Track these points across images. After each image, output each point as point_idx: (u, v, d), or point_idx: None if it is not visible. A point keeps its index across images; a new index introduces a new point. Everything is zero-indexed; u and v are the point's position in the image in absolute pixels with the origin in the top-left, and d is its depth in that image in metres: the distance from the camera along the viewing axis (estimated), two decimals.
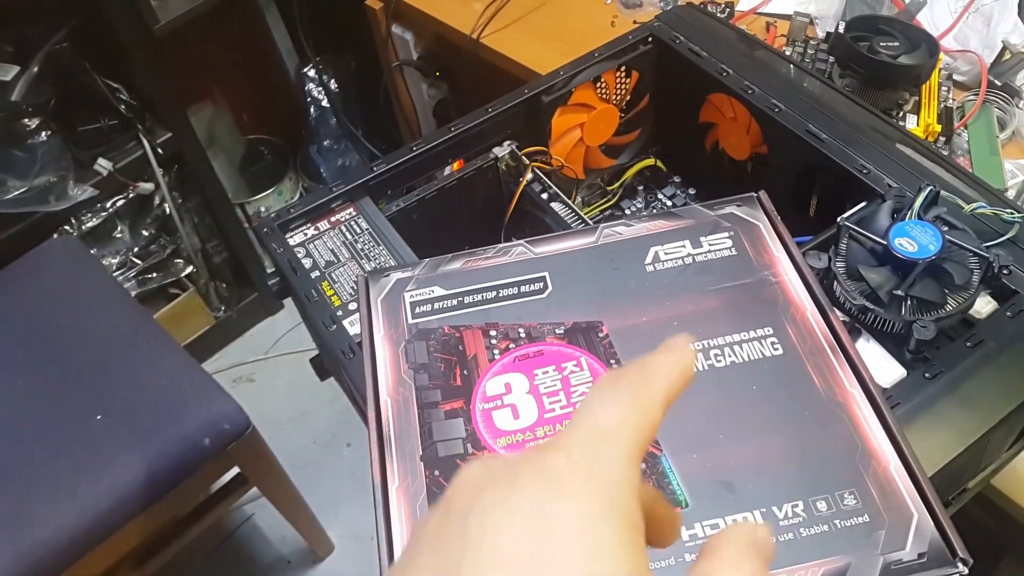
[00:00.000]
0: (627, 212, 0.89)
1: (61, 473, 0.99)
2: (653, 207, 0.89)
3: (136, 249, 1.45)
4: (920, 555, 0.39)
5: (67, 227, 1.34)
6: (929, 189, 0.55)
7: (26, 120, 1.23)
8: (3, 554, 0.93)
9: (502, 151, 0.77)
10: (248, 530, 1.43)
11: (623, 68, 0.80)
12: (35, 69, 1.22)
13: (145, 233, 1.45)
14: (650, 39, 0.79)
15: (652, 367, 0.25)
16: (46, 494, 0.98)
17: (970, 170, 0.85)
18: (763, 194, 0.54)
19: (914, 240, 0.52)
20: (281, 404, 1.58)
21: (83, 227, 1.35)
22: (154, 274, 1.49)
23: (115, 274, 1.42)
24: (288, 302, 1.54)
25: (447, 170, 0.78)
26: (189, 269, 1.53)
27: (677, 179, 0.89)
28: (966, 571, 0.38)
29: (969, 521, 0.78)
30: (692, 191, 0.88)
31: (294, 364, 1.64)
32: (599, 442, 0.23)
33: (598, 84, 0.80)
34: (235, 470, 1.13)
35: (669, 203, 0.89)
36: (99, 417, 1.03)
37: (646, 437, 0.24)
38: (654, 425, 0.24)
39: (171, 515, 1.09)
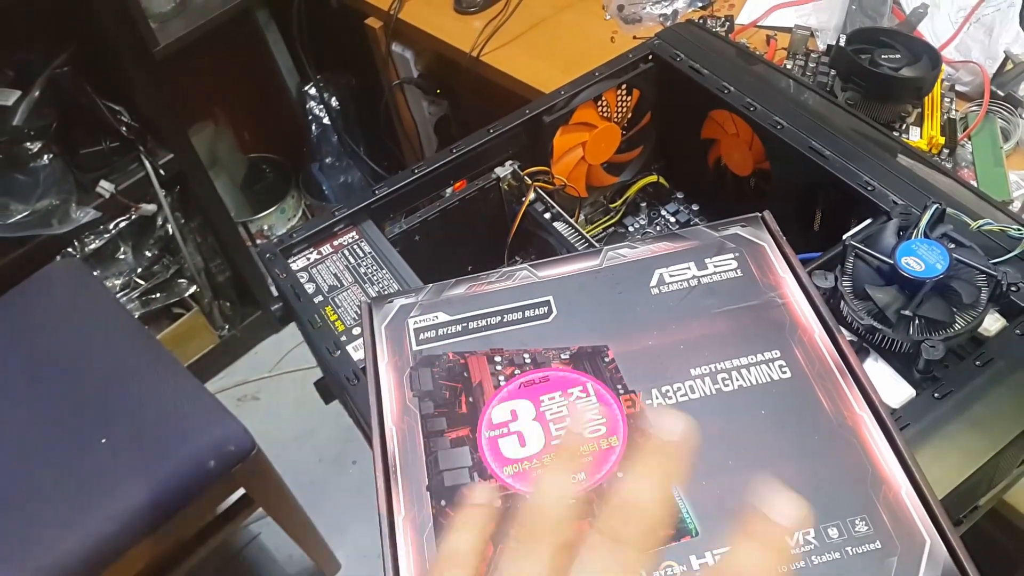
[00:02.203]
0: (630, 229, 0.89)
1: (66, 497, 0.99)
2: (656, 223, 0.89)
3: (139, 270, 1.46)
4: None
5: (70, 249, 1.34)
6: (935, 207, 0.54)
7: (28, 144, 1.24)
8: None
9: (504, 171, 0.77)
10: (255, 550, 1.43)
11: (624, 86, 0.80)
12: (36, 93, 1.23)
13: (148, 254, 1.46)
14: (650, 57, 0.79)
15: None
16: (51, 519, 0.98)
17: (975, 182, 0.85)
18: (768, 214, 0.54)
19: (921, 259, 0.52)
20: (287, 422, 1.58)
21: (86, 249, 1.36)
22: (158, 294, 1.50)
23: (118, 295, 1.43)
24: None
25: (448, 191, 0.78)
26: (193, 289, 1.54)
27: (680, 195, 0.89)
28: None
29: (981, 537, 0.78)
30: (695, 207, 0.88)
31: (299, 381, 1.64)
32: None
33: (599, 103, 0.80)
34: (241, 491, 1.13)
35: (672, 219, 0.88)
36: (103, 440, 1.03)
37: None
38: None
39: (177, 537, 1.09)
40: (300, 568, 1.39)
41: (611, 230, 0.89)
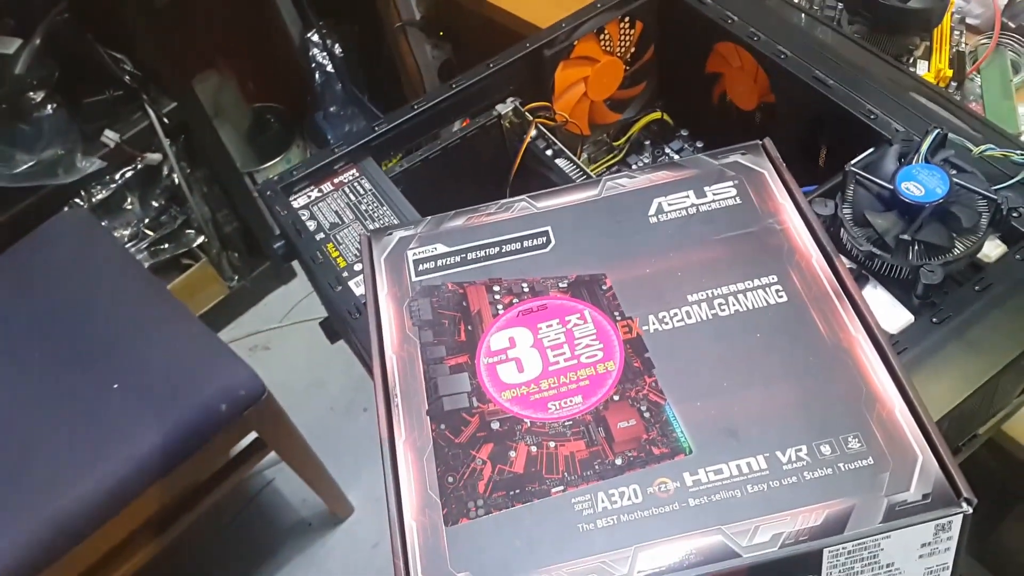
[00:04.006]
0: (634, 167, 0.88)
1: (80, 442, 1.01)
2: (661, 161, 0.88)
3: (147, 220, 1.46)
4: (924, 496, 0.39)
5: (77, 200, 1.35)
6: (936, 132, 0.54)
7: (31, 93, 1.23)
8: (28, 523, 0.95)
9: (505, 108, 0.76)
10: (269, 494, 1.46)
11: (627, 19, 0.79)
12: (37, 41, 1.22)
13: (155, 204, 1.46)
14: None
15: None
16: (67, 463, 0.99)
17: (982, 114, 0.83)
18: (768, 141, 0.53)
19: (921, 184, 0.52)
20: (297, 372, 1.59)
21: (93, 200, 1.36)
22: (166, 245, 1.50)
23: (127, 246, 1.43)
24: (300, 269, 1.55)
25: (456, 125, 0.77)
26: (200, 239, 1.54)
27: (684, 132, 0.88)
28: (970, 511, 0.38)
29: (980, 469, 0.78)
30: (700, 144, 0.87)
31: (309, 332, 1.65)
32: None
33: (601, 36, 0.79)
34: (253, 435, 1.15)
35: (677, 157, 0.88)
36: (115, 387, 1.05)
37: None
38: None
39: (191, 481, 1.11)
40: (314, 511, 1.41)
41: (615, 168, 0.88)
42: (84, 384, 1.06)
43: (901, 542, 0.39)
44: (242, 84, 1.74)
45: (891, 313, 0.52)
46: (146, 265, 1.46)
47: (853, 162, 0.56)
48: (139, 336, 1.09)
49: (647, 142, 0.89)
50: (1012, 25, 0.88)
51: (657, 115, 0.87)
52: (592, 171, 0.87)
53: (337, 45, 1.65)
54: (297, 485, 1.31)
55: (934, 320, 0.51)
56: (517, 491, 0.42)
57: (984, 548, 0.94)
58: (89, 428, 1.02)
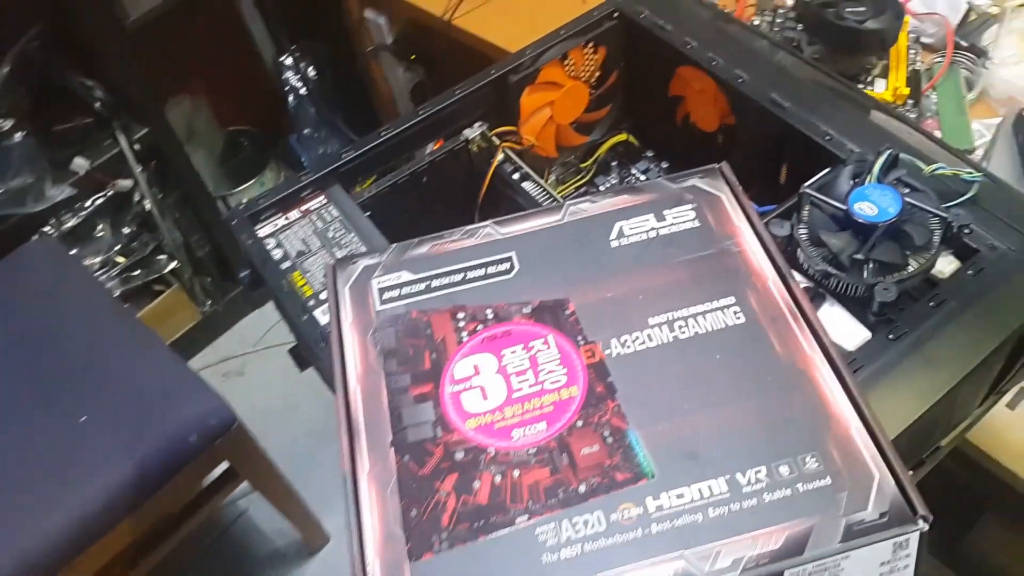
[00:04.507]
0: (601, 188, 0.89)
1: (48, 476, 0.99)
2: (627, 182, 0.89)
3: (118, 247, 1.45)
4: (882, 515, 0.40)
5: (47, 228, 1.34)
6: (888, 152, 0.55)
7: (0, 121, 1.23)
8: None
9: (473, 133, 0.77)
10: (243, 524, 1.44)
11: (590, 44, 0.80)
12: (6, 69, 1.21)
13: (126, 230, 1.45)
14: (615, 14, 0.79)
15: None
16: (34, 498, 0.98)
17: (939, 132, 0.85)
18: (725, 165, 0.54)
19: (874, 204, 0.53)
20: (272, 396, 1.58)
21: (63, 227, 1.35)
22: (137, 271, 1.49)
23: (98, 273, 1.42)
24: None
25: (428, 148, 0.78)
26: (173, 264, 1.53)
27: (650, 153, 0.89)
28: (926, 528, 0.39)
29: (948, 477, 0.80)
30: (665, 164, 0.89)
31: (283, 356, 1.62)
32: None
33: (565, 61, 0.80)
34: (225, 464, 1.14)
35: (643, 177, 0.89)
36: (84, 419, 1.03)
37: None
38: None
39: (163, 512, 1.09)
40: (288, 541, 1.40)
41: (582, 189, 0.89)
42: (52, 416, 1.04)
43: (860, 561, 0.39)
44: (215, 108, 1.74)
45: (848, 330, 0.53)
46: (117, 292, 1.45)
47: (808, 183, 0.57)
48: (108, 367, 1.08)
49: (614, 163, 0.90)
50: (964, 44, 0.90)
51: (623, 137, 0.88)
52: (560, 192, 0.88)
53: (311, 68, 1.66)
54: (271, 514, 1.29)
55: (890, 336, 0.52)
56: (481, 522, 0.42)
57: (955, 555, 0.95)
58: (57, 461, 1.00)
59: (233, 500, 1.41)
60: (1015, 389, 0.73)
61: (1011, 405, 0.75)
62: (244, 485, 1.20)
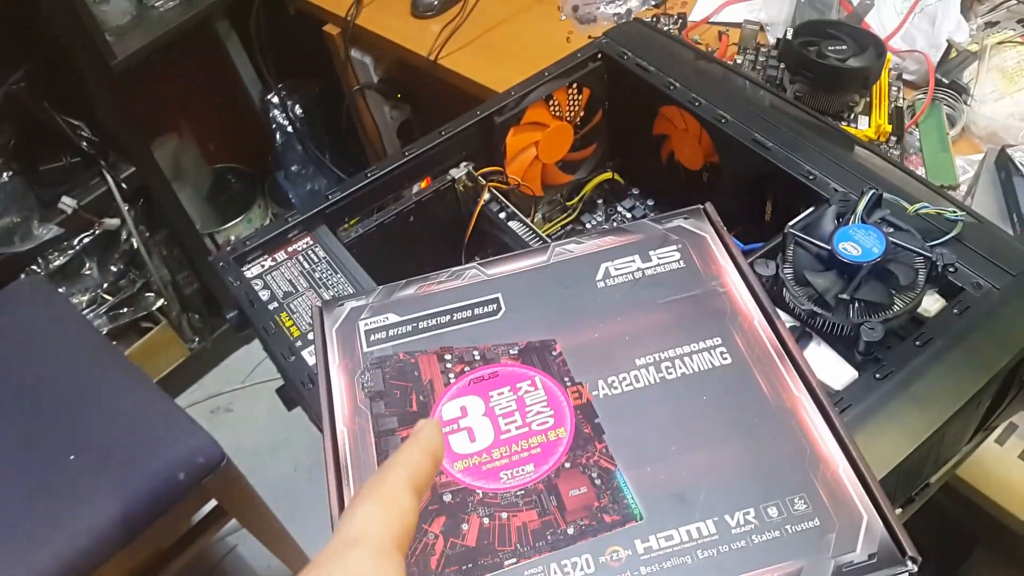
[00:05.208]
0: (588, 226, 0.90)
1: (36, 515, 0.98)
2: (613, 220, 0.90)
3: (105, 285, 1.45)
4: (871, 556, 0.39)
5: (34, 267, 1.33)
6: (872, 192, 0.56)
7: None
8: None
9: (459, 172, 0.77)
10: (232, 561, 1.43)
11: (574, 85, 0.81)
12: None
13: (114, 269, 1.45)
14: (599, 56, 0.80)
15: (390, 464, 0.31)
16: (22, 537, 0.97)
17: (923, 168, 0.86)
18: (709, 206, 0.55)
19: (858, 244, 0.53)
20: (261, 433, 1.57)
21: (51, 266, 1.35)
22: (125, 309, 1.49)
23: (86, 311, 1.42)
24: None
25: (415, 187, 0.78)
26: (160, 302, 1.53)
27: (636, 191, 0.90)
28: (915, 569, 0.39)
29: (939, 513, 0.79)
30: (651, 202, 0.89)
31: (271, 392, 1.63)
32: (346, 549, 0.29)
33: (550, 102, 0.81)
34: (213, 503, 1.13)
35: (629, 215, 0.89)
36: (72, 457, 1.03)
37: (397, 527, 0.29)
38: (404, 513, 0.29)
39: (152, 551, 1.08)
40: None
41: (568, 228, 0.89)
42: (40, 455, 1.04)
43: None
44: (202, 145, 1.75)
45: (835, 370, 0.53)
46: (105, 330, 1.44)
47: (792, 223, 0.57)
48: (96, 405, 1.07)
49: (600, 201, 0.90)
50: (945, 81, 0.92)
51: (608, 175, 0.89)
52: (547, 230, 0.89)
53: (297, 106, 1.67)
54: (260, 551, 1.28)
55: (877, 376, 0.52)
56: (470, 565, 0.41)
57: None
58: (44, 500, 1.00)
59: (222, 537, 1.39)
60: (1003, 425, 0.74)
61: (1000, 441, 0.75)
62: (233, 522, 1.18)
